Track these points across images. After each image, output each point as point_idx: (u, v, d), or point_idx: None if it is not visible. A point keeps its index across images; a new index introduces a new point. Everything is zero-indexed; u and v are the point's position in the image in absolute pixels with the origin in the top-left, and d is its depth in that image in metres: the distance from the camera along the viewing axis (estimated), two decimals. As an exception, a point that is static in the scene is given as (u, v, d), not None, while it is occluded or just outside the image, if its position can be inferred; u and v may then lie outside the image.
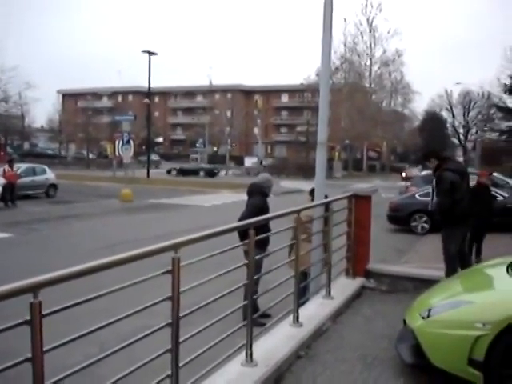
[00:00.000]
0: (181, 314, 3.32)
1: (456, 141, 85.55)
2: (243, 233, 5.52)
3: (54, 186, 26.95)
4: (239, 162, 69.03)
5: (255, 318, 4.65)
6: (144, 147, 65.33)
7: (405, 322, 5.10)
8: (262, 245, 6.13)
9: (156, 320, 3.35)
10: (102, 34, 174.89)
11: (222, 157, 71.96)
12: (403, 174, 43.14)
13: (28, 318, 2.31)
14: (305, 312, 5.68)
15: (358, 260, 7.53)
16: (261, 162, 60.93)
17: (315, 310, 6.02)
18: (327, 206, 6.66)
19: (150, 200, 25.74)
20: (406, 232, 16.62)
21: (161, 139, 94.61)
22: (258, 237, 4.42)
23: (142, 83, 77.99)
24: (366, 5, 61.30)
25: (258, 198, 7.68)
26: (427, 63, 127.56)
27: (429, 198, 12.48)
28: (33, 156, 58.26)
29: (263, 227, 5.65)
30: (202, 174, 50.93)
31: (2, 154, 60.67)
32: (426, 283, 7.57)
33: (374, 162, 72.56)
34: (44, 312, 2.36)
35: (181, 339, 3.34)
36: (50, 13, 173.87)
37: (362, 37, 61.12)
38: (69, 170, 49.76)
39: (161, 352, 3.29)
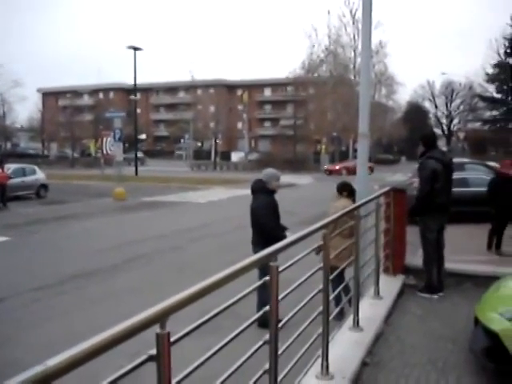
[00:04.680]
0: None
1: (439, 131, 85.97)
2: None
3: (44, 186, 26.26)
4: (226, 157, 68.51)
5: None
6: (127, 145, 64.52)
7: (476, 321, 4.76)
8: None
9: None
10: (78, 32, 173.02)
11: (208, 152, 71.43)
12: None
13: (154, 352, 1.88)
14: (360, 314, 5.30)
15: (397, 256, 7.21)
16: (246, 157, 60.55)
17: (369, 311, 5.66)
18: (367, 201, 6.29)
19: (144, 198, 25.17)
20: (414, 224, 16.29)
21: (144, 136, 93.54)
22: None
23: (122, 80, 76.87)
24: (349, -4, 60.87)
25: (264, 196, 6.80)
26: (410, 54, 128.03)
27: None
28: (15, 156, 57.11)
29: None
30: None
31: (-16, 155, 59.61)
32: (468, 278, 7.30)
33: (359, 154, 72.32)
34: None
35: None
36: (29, 10, 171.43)
37: (346, 29, 60.71)
38: (53, 170, 48.78)
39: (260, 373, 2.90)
